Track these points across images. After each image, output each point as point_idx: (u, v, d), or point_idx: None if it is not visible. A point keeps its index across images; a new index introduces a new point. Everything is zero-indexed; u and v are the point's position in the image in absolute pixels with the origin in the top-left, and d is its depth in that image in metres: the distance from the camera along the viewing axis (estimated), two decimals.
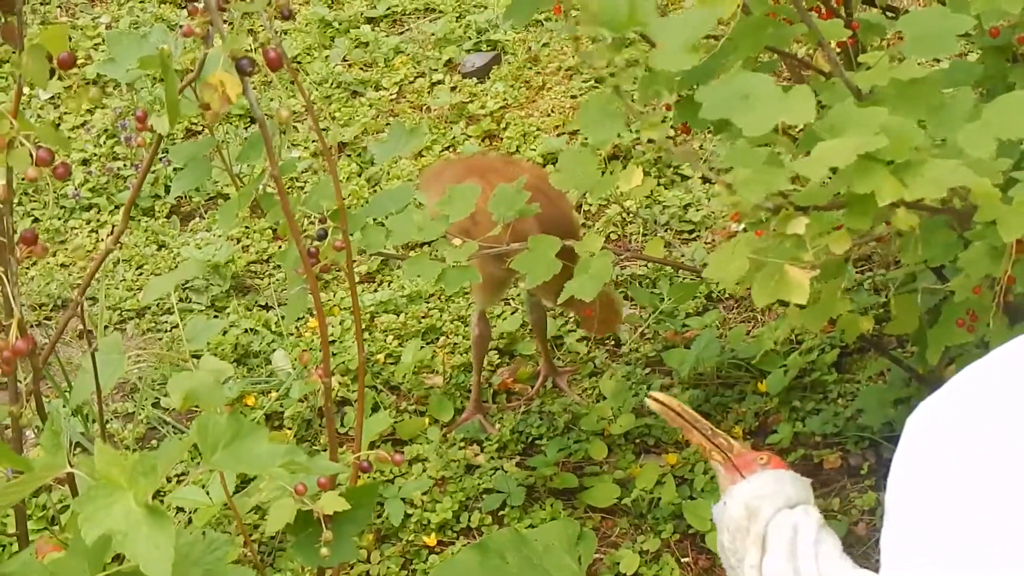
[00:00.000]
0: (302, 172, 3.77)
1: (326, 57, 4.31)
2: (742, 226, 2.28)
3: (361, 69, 4.27)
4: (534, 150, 3.80)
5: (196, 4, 1.60)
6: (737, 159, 1.82)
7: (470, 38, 4.34)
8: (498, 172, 2.73)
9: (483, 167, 2.87)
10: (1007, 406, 0.98)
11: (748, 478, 1.71)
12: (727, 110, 1.79)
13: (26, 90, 1.57)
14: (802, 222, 1.76)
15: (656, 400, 1.81)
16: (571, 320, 3.25)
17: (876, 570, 1.04)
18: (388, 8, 4.55)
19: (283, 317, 3.28)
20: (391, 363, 3.17)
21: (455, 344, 3.22)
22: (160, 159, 3.67)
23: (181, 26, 1.71)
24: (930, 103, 1.86)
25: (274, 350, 3.22)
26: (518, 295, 3.31)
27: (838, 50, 2.24)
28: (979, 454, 0.97)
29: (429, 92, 4.14)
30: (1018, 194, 1.78)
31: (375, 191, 3.68)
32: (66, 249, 3.63)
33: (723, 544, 1.68)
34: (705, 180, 3.55)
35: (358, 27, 4.45)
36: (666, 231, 3.49)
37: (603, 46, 1.84)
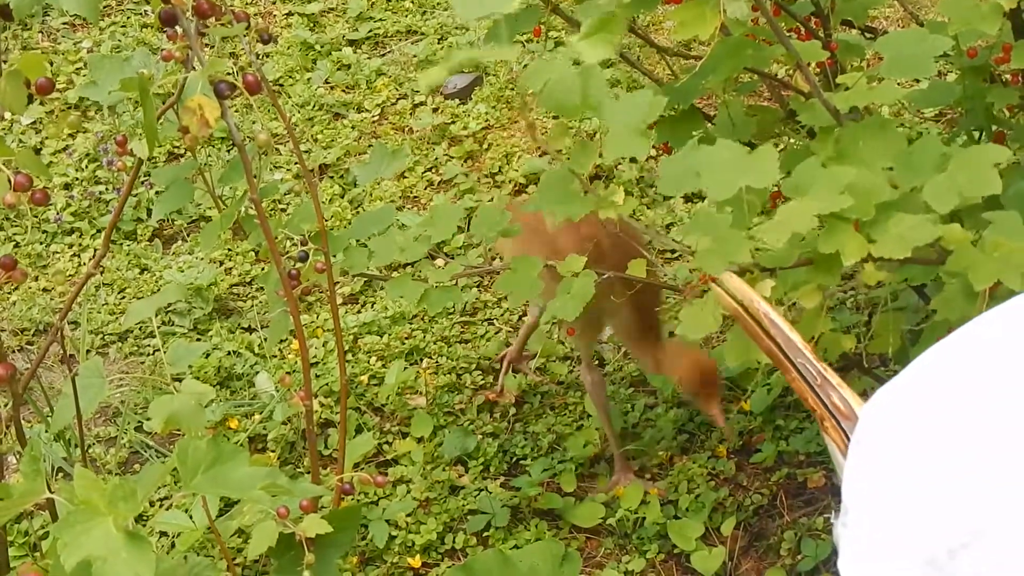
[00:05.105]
0: (284, 194, 3.77)
1: (308, 79, 4.31)
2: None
3: (343, 91, 4.27)
4: (516, 171, 3.80)
5: (175, 29, 1.60)
6: (700, 226, 1.85)
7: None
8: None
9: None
10: (963, 387, 0.98)
11: None
12: (684, 185, 1.84)
13: (7, 115, 1.57)
14: (768, 284, 1.78)
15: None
16: (557, 340, 3.25)
17: None
18: (370, 30, 4.56)
19: (266, 339, 3.27)
20: (375, 384, 3.17)
21: (438, 364, 3.22)
22: (142, 182, 3.66)
23: (163, 50, 1.71)
24: (897, 150, 1.87)
25: (257, 372, 3.21)
26: (502, 315, 3.32)
27: (817, 71, 2.25)
28: (934, 437, 0.97)
29: (411, 113, 4.14)
30: (988, 240, 1.79)
31: (358, 212, 3.68)
32: (48, 274, 3.62)
33: None
34: (687, 199, 3.56)
35: (340, 49, 4.46)
36: (649, 250, 3.49)
37: (557, 127, 1.89)
